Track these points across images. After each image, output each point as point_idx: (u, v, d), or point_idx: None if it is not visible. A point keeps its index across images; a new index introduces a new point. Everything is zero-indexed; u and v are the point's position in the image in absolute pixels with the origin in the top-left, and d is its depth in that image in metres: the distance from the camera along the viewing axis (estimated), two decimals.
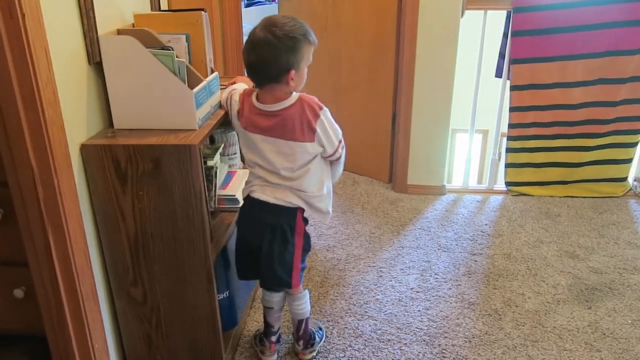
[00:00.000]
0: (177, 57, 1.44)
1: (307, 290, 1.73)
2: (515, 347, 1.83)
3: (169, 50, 1.42)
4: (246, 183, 1.63)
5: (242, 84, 1.68)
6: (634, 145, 2.84)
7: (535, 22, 2.61)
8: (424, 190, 2.95)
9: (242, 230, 1.63)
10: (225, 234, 1.69)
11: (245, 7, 4.00)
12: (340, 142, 1.54)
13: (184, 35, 1.56)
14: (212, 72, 1.65)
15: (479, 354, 1.80)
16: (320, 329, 1.89)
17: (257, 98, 1.50)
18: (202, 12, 1.55)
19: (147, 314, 1.60)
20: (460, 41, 2.65)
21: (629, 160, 2.88)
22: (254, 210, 1.58)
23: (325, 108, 1.48)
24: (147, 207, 1.45)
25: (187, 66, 1.50)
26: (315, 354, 1.79)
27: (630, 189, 2.93)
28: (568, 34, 2.59)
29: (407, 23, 2.65)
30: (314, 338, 1.81)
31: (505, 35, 2.76)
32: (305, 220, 1.61)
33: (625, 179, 2.91)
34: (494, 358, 1.78)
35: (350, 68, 2.98)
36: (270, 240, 1.58)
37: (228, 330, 1.77)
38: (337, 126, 1.52)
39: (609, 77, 2.65)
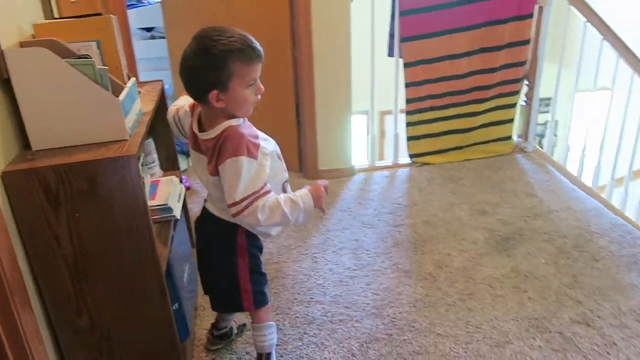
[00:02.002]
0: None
1: (272, 323, 1.61)
2: (455, 303, 1.97)
3: (88, 58, 1.33)
4: None
5: (186, 99, 1.55)
6: (514, 105, 3.13)
7: (420, 0, 2.77)
8: (335, 174, 3.03)
9: (197, 241, 1.60)
10: (167, 245, 1.63)
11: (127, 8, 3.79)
12: (235, 204, 1.30)
13: (95, 42, 1.46)
14: (129, 78, 1.57)
15: (425, 315, 1.91)
16: None
17: (198, 119, 1.41)
18: (112, 16, 1.47)
19: (96, 342, 1.49)
20: (352, 25, 2.74)
21: (512, 120, 3.18)
22: (203, 220, 1.56)
23: (241, 157, 1.28)
24: (85, 228, 1.35)
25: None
26: None
27: (515, 146, 3.23)
28: (450, 9, 2.78)
29: (301, 13, 2.68)
30: None
31: (393, 16, 2.89)
32: (251, 240, 1.52)
33: (510, 137, 3.21)
34: (440, 316, 1.90)
35: None
36: (212, 256, 1.56)
37: (183, 343, 1.71)
38: (241, 187, 1.29)
39: (488, 45, 2.90)
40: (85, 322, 1.46)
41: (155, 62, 3.48)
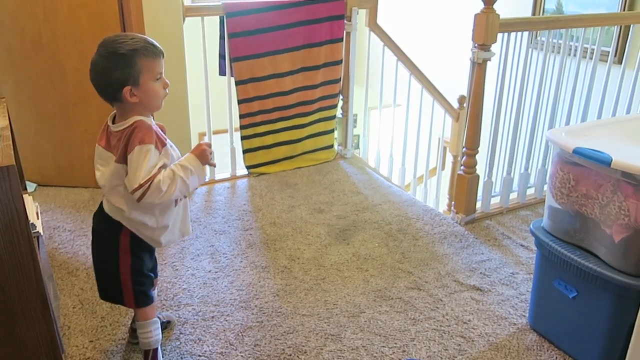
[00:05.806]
0: None
1: (156, 319, 1.69)
2: (312, 288, 2.22)
3: None
4: None
5: None
6: (334, 117, 3.55)
7: (246, 24, 3.01)
8: None
9: (92, 232, 1.65)
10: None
11: None
12: (140, 187, 1.41)
13: None
14: None
15: (288, 301, 2.13)
16: None
17: (113, 119, 1.52)
18: None
19: None
20: (186, 46, 2.88)
21: (332, 131, 3.59)
22: (97, 214, 1.63)
23: (149, 145, 1.42)
24: None
25: None
26: None
27: (337, 153, 3.65)
28: (273, 33, 3.08)
29: (135, 32, 2.73)
30: None
31: (222, 37, 3.09)
32: (137, 242, 1.59)
33: (332, 145, 3.62)
34: (301, 300, 2.14)
35: (78, 81, 2.89)
36: (99, 249, 1.62)
37: None
38: (145, 170, 1.41)
39: (308, 65, 3.26)
40: None
41: None
